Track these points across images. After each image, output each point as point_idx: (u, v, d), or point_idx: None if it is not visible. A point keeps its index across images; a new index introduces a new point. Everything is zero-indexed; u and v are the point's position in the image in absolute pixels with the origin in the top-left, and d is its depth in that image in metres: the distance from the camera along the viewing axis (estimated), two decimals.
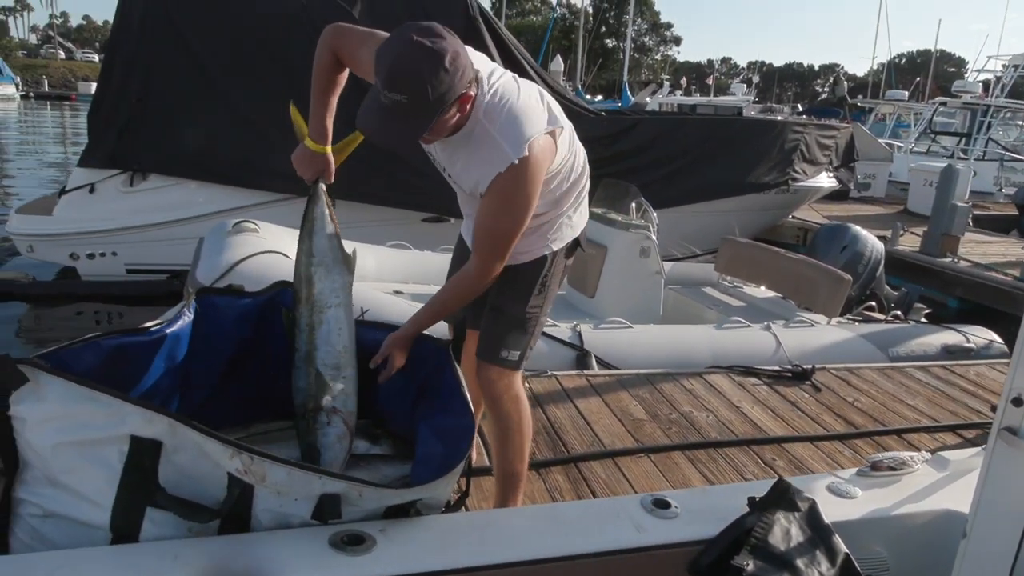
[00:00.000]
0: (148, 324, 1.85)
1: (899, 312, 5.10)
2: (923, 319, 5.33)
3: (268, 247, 3.76)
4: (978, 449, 2.62)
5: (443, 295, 1.89)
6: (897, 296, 5.42)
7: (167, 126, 5.63)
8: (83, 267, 5.72)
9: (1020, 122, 18.99)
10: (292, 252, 3.98)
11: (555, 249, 1.98)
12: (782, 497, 1.53)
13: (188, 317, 1.95)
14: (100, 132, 5.67)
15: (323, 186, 1.91)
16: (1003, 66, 16.81)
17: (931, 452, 1.95)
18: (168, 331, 1.87)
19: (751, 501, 1.53)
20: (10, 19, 73.47)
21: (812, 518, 1.52)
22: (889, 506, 1.68)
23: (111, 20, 6.31)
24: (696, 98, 31.88)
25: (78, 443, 1.38)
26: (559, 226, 1.98)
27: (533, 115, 1.70)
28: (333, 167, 1.91)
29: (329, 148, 1.89)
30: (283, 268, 3.71)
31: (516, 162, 1.62)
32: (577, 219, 2.04)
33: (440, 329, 2.21)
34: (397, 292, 4.47)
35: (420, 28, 1.52)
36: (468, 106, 1.62)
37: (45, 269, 5.96)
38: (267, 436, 2.01)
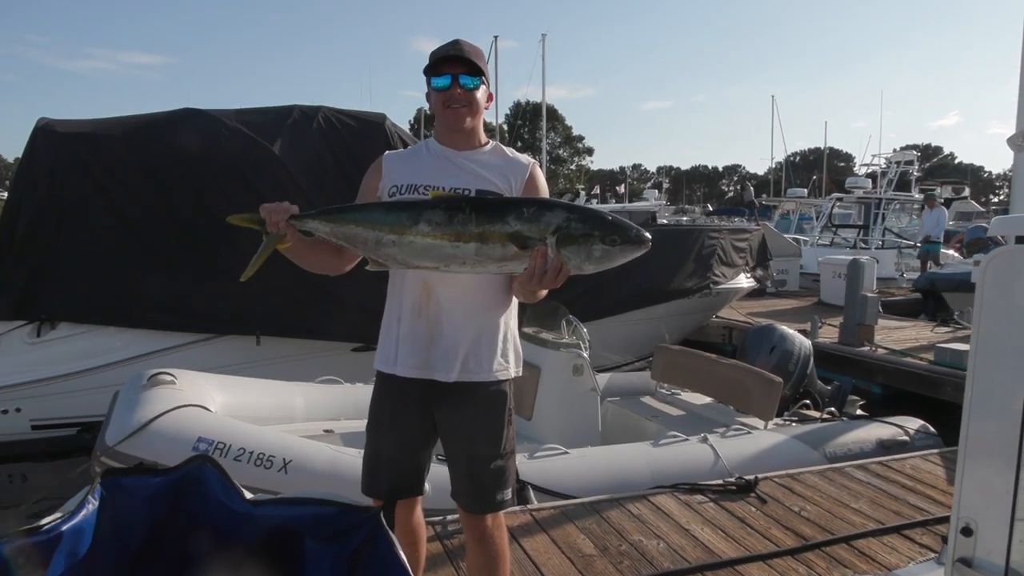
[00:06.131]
0: (44, 521, 1.67)
1: (833, 408, 5.16)
2: (859, 411, 5.41)
3: (185, 400, 3.54)
4: (931, 563, 2.61)
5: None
6: (830, 390, 5.47)
7: (80, 271, 5.39)
8: None
9: (908, 212, 20.54)
10: (211, 404, 3.79)
11: (513, 376, 2.04)
12: None
13: (92, 504, 1.77)
14: (3, 283, 5.39)
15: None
16: (886, 159, 18.38)
17: (885, 570, 1.91)
18: (66, 527, 1.69)
19: None
20: None
21: None
22: None
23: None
24: (611, 205, 33.26)
25: None
26: (516, 340, 2.05)
27: None
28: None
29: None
30: (202, 422, 3.49)
31: (533, 161, 2.09)
32: None
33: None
34: (328, 431, 4.28)
35: None
36: (489, 104, 2.05)
37: None
38: None
